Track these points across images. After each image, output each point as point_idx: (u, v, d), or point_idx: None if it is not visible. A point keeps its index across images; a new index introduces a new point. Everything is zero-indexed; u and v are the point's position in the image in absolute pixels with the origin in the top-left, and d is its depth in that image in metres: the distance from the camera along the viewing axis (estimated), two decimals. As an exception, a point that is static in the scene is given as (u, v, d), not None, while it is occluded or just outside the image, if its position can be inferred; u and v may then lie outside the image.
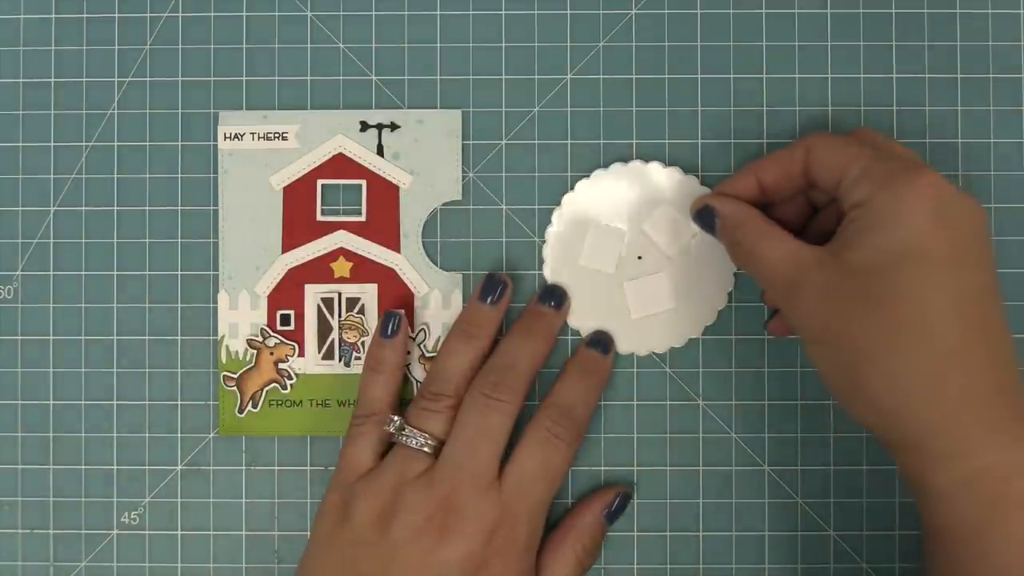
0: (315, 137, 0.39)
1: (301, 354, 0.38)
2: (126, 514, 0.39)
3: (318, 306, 0.39)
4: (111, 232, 0.39)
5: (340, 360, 0.38)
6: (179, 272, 0.39)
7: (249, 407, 0.38)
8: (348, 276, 0.39)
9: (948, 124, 0.39)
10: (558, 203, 0.38)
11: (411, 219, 0.39)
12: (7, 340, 0.39)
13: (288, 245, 0.39)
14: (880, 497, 0.38)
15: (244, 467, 0.39)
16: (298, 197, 0.39)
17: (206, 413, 0.39)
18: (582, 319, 0.38)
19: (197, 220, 0.39)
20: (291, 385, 0.38)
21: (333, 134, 0.39)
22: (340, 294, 0.39)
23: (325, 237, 0.39)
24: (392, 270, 0.39)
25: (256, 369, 0.38)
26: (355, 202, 0.39)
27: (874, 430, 0.32)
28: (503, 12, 0.39)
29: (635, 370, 0.39)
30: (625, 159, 0.38)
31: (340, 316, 0.39)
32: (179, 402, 0.39)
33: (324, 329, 0.39)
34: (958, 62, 0.39)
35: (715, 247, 0.37)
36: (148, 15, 0.39)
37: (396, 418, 0.36)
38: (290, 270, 0.39)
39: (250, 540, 0.39)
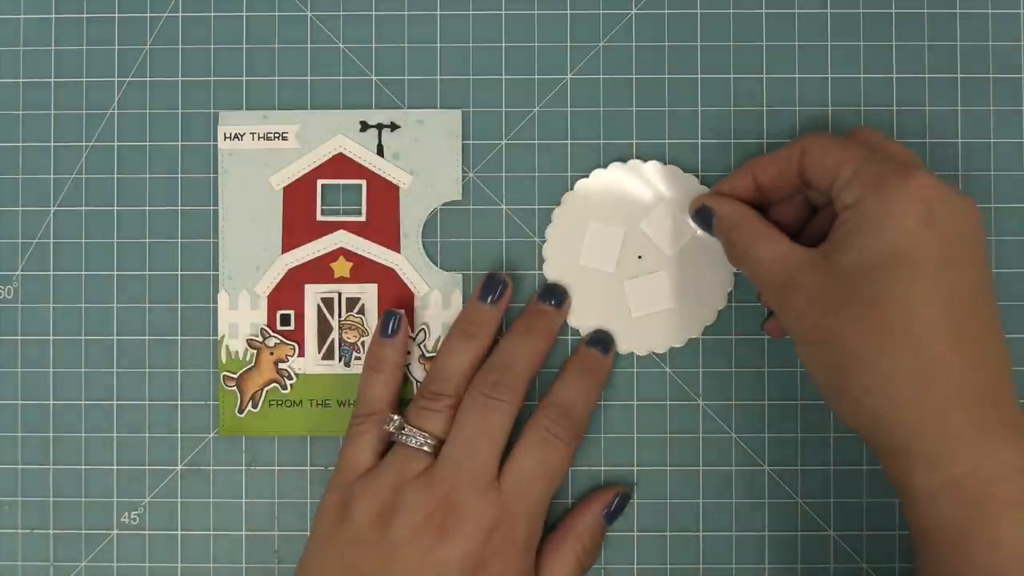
0: (315, 137, 0.39)
1: (301, 354, 0.38)
2: (126, 514, 0.39)
3: (318, 306, 0.39)
4: (111, 232, 0.39)
5: (340, 360, 0.38)
6: (179, 272, 0.39)
7: (249, 407, 0.38)
8: (348, 276, 0.39)
9: (948, 124, 0.39)
10: (558, 203, 0.38)
11: (411, 219, 0.39)
12: (7, 340, 0.39)
13: (288, 245, 0.39)
14: (880, 497, 0.38)
15: (244, 467, 0.39)
16: (298, 197, 0.39)
17: (206, 413, 0.39)
18: (582, 318, 0.38)
19: (197, 220, 0.39)
20: (291, 385, 0.38)
21: (333, 134, 0.39)
22: (340, 294, 0.39)
23: (325, 237, 0.39)
24: (392, 270, 0.39)
25: (256, 369, 0.38)
26: (355, 202, 0.39)
27: (860, 431, 0.32)
28: (503, 12, 0.39)
29: (635, 370, 0.39)
30: (625, 159, 0.38)
31: (340, 316, 0.38)
32: (179, 402, 0.39)
33: (324, 329, 0.39)
34: (958, 62, 0.39)
35: (715, 247, 0.37)
36: (148, 15, 0.39)
37: (396, 417, 0.36)
38: (290, 270, 0.39)
39: (250, 540, 0.39)
